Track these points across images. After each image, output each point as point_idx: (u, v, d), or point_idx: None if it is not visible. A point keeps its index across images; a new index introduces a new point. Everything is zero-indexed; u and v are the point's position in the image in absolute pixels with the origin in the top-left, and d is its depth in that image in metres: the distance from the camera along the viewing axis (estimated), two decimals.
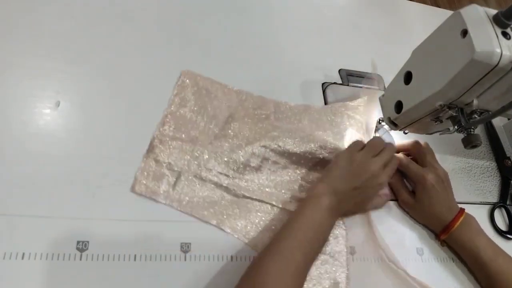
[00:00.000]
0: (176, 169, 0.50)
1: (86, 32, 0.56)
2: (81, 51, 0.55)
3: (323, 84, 0.66)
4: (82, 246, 0.43)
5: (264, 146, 0.53)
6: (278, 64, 0.66)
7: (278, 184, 0.54)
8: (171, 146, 0.51)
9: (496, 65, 0.40)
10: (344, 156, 0.53)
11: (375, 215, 0.57)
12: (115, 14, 0.59)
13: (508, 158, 0.70)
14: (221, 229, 0.49)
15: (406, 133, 0.59)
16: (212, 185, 0.51)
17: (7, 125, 0.47)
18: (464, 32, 0.42)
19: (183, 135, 0.52)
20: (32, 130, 0.48)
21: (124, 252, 0.44)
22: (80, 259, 0.43)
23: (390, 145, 0.55)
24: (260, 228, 0.50)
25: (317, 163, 0.56)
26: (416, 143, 0.60)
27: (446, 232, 0.56)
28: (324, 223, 0.49)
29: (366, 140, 0.60)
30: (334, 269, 0.51)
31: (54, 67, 0.52)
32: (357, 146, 0.54)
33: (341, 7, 0.78)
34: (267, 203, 0.52)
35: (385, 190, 0.58)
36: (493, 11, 0.42)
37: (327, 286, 0.49)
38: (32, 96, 0.50)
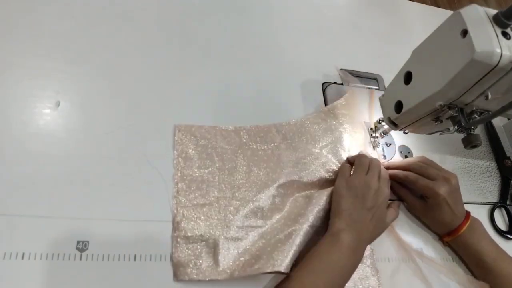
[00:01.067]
0: (210, 240, 0.47)
1: (86, 32, 0.56)
2: (81, 51, 0.55)
3: (323, 84, 0.66)
4: (82, 246, 0.43)
5: (281, 186, 0.53)
6: (278, 64, 0.66)
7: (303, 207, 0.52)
8: (194, 216, 0.48)
9: (496, 65, 0.40)
10: (342, 185, 0.52)
11: None
12: (115, 14, 0.59)
13: (508, 158, 0.70)
14: (280, 272, 0.45)
15: (406, 133, 0.59)
16: (249, 240, 0.49)
17: (7, 125, 0.47)
18: (464, 32, 0.42)
19: (202, 199, 0.50)
20: (32, 130, 0.48)
21: (124, 252, 0.44)
22: (80, 259, 0.43)
23: (374, 159, 0.56)
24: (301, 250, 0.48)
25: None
26: (414, 162, 0.58)
27: (452, 236, 0.56)
28: (344, 263, 0.46)
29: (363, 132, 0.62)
30: (365, 274, 0.51)
31: (54, 67, 0.52)
32: (346, 170, 0.54)
33: (341, 7, 0.78)
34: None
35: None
36: (493, 11, 0.42)
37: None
38: (32, 96, 0.50)
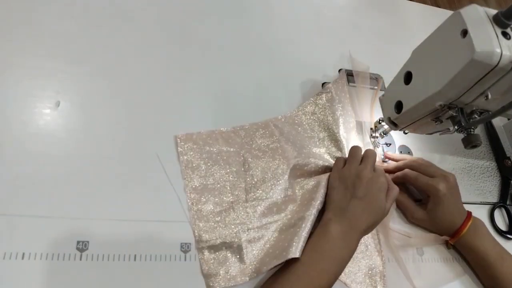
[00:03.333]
0: (233, 245, 0.48)
1: (86, 32, 0.56)
2: (81, 51, 0.55)
3: (323, 84, 0.66)
4: (82, 246, 0.43)
5: (290, 177, 0.54)
6: (278, 64, 0.66)
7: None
8: (213, 225, 0.49)
9: (496, 65, 0.40)
10: (334, 176, 0.53)
11: None
12: (115, 14, 0.59)
13: (508, 158, 0.70)
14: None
15: (406, 133, 0.59)
16: (270, 235, 0.50)
17: (7, 125, 0.47)
18: (464, 32, 0.42)
19: (218, 207, 0.50)
20: (32, 130, 0.48)
21: (124, 252, 0.44)
22: (80, 259, 0.43)
23: (369, 149, 0.55)
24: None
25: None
26: (413, 161, 0.58)
27: (456, 237, 0.56)
28: (336, 253, 0.47)
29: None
30: (368, 253, 0.53)
31: (54, 67, 0.52)
32: (340, 162, 0.55)
33: (341, 7, 0.78)
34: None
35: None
36: (493, 11, 0.42)
37: (363, 266, 0.51)
38: (32, 96, 0.50)
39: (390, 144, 0.64)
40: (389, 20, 0.80)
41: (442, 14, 0.87)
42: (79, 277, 0.42)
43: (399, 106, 0.54)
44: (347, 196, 0.50)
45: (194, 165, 0.52)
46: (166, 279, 0.45)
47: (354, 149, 0.55)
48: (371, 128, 0.64)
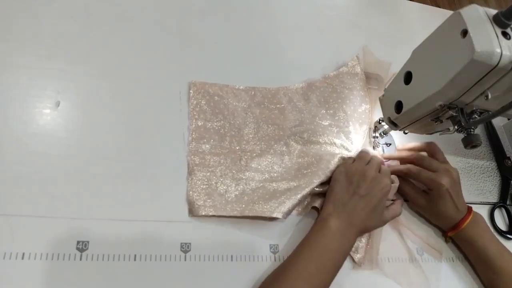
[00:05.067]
0: (220, 183, 0.51)
1: (86, 32, 0.56)
2: (81, 51, 0.55)
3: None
4: (82, 246, 0.43)
5: (287, 143, 0.57)
6: (278, 64, 0.66)
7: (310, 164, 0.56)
8: (206, 163, 0.52)
9: (496, 65, 0.40)
10: (340, 170, 0.54)
11: None
12: (115, 14, 0.59)
13: (508, 158, 0.70)
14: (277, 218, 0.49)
15: (406, 133, 0.59)
16: (258, 185, 0.52)
17: (7, 125, 0.47)
18: (464, 32, 0.42)
19: (214, 149, 0.53)
20: (32, 130, 0.48)
21: (124, 252, 0.44)
22: (80, 259, 0.43)
23: (375, 155, 0.57)
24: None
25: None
26: (418, 154, 0.58)
27: (455, 230, 0.56)
28: (335, 248, 0.47)
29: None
30: None
31: (54, 67, 0.52)
32: (349, 159, 0.56)
33: (341, 7, 0.78)
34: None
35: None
36: (493, 11, 0.42)
37: None
38: (32, 96, 0.50)
39: (390, 144, 0.64)
40: (389, 20, 0.80)
41: (442, 14, 0.87)
42: (79, 277, 0.42)
43: (399, 106, 0.54)
44: (350, 192, 0.51)
45: (201, 108, 0.56)
46: (166, 279, 0.45)
47: (363, 152, 0.57)
48: (371, 128, 0.64)
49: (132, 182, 0.49)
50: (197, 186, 0.50)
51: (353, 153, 0.59)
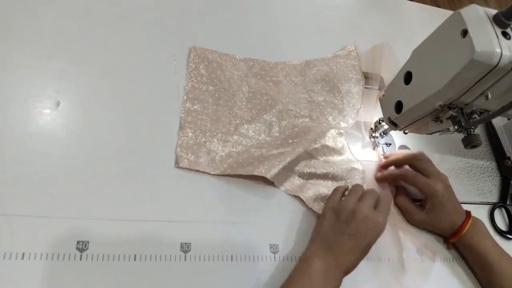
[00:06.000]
0: (210, 139, 0.54)
1: (86, 32, 0.56)
2: (81, 51, 0.55)
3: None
4: (82, 246, 0.43)
5: (279, 113, 0.59)
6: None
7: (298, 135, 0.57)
8: (198, 123, 0.55)
9: (496, 65, 0.40)
10: (328, 206, 0.51)
11: None
12: (115, 14, 0.59)
13: (508, 158, 0.70)
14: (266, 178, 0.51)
15: (406, 133, 0.59)
16: (245, 148, 0.55)
17: (7, 125, 0.47)
18: (464, 32, 0.42)
19: (206, 110, 0.56)
20: (32, 130, 0.48)
21: (124, 252, 0.44)
22: (80, 259, 0.43)
23: (371, 189, 0.53)
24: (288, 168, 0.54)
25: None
26: (414, 156, 0.58)
27: (456, 236, 0.56)
28: None
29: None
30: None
31: (54, 67, 0.52)
32: (338, 193, 0.52)
33: (341, 7, 0.78)
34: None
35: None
36: (493, 11, 0.42)
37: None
38: (32, 96, 0.50)
39: (390, 144, 0.64)
40: (389, 20, 0.80)
41: (442, 14, 0.87)
42: (79, 277, 0.42)
43: (399, 106, 0.54)
44: (337, 231, 0.47)
45: (198, 72, 0.58)
46: (166, 279, 0.45)
47: (356, 186, 0.53)
48: (371, 128, 0.64)
49: (132, 182, 0.49)
50: (185, 142, 0.52)
51: (344, 130, 0.61)
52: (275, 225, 0.52)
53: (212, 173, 0.52)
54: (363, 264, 0.52)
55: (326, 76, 0.65)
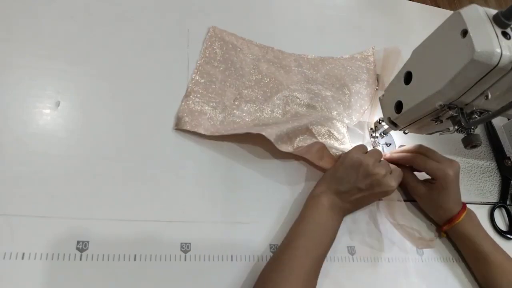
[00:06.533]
0: (213, 109, 0.55)
1: (86, 32, 0.56)
2: (81, 51, 0.55)
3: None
4: (82, 246, 0.43)
5: (285, 97, 0.61)
6: None
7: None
8: (204, 93, 0.56)
9: (496, 65, 0.40)
10: (351, 156, 0.52)
11: (376, 214, 0.57)
12: (115, 14, 0.59)
13: (508, 158, 0.70)
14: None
15: (406, 133, 0.59)
16: (246, 119, 0.56)
17: (7, 125, 0.47)
18: (464, 32, 0.42)
19: (214, 85, 0.57)
20: (32, 130, 0.48)
21: (124, 252, 0.44)
22: (80, 259, 0.43)
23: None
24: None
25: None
26: (419, 147, 0.58)
27: (451, 224, 0.56)
28: (329, 223, 0.50)
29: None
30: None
31: (54, 67, 0.52)
32: (362, 148, 0.54)
33: (341, 7, 0.78)
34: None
35: None
36: (493, 11, 0.42)
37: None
38: (32, 96, 0.50)
39: (390, 144, 0.64)
40: (389, 20, 0.80)
41: (442, 14, 0.87)
42: (79, 277, 0.42)
43: (399, 106, 0.54)
44: (351, 181, 0.51)
45: (213, 50, 0.60)
46: (166, 279, 0.45)
47: (377, 150, 0.55)
48: (371, 128, 0.64)
49: (132, 182, 0.49)
50: (189, 107, 0.54)
51: (346, 130, 0.61)
52: (275, 225, 0.52)
53: (214, 134, 0.53)
54: (363, 264, 0.52)
55: (339, 74, 0.66)
